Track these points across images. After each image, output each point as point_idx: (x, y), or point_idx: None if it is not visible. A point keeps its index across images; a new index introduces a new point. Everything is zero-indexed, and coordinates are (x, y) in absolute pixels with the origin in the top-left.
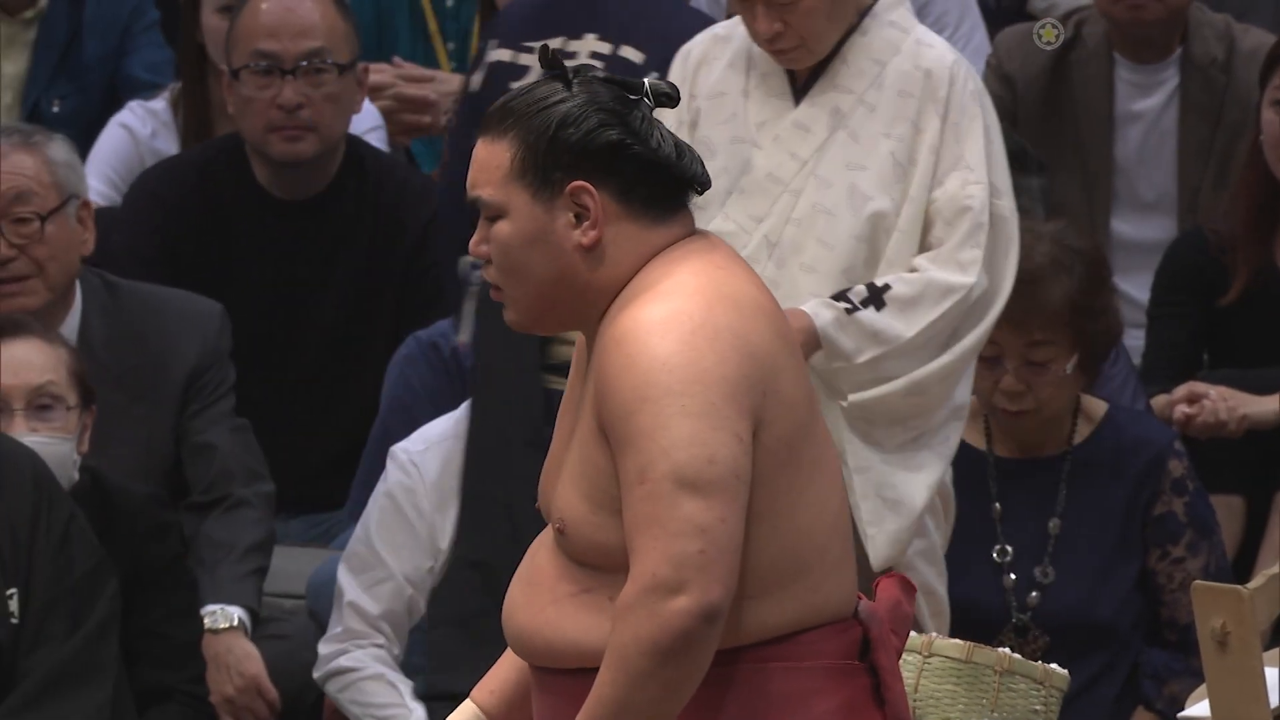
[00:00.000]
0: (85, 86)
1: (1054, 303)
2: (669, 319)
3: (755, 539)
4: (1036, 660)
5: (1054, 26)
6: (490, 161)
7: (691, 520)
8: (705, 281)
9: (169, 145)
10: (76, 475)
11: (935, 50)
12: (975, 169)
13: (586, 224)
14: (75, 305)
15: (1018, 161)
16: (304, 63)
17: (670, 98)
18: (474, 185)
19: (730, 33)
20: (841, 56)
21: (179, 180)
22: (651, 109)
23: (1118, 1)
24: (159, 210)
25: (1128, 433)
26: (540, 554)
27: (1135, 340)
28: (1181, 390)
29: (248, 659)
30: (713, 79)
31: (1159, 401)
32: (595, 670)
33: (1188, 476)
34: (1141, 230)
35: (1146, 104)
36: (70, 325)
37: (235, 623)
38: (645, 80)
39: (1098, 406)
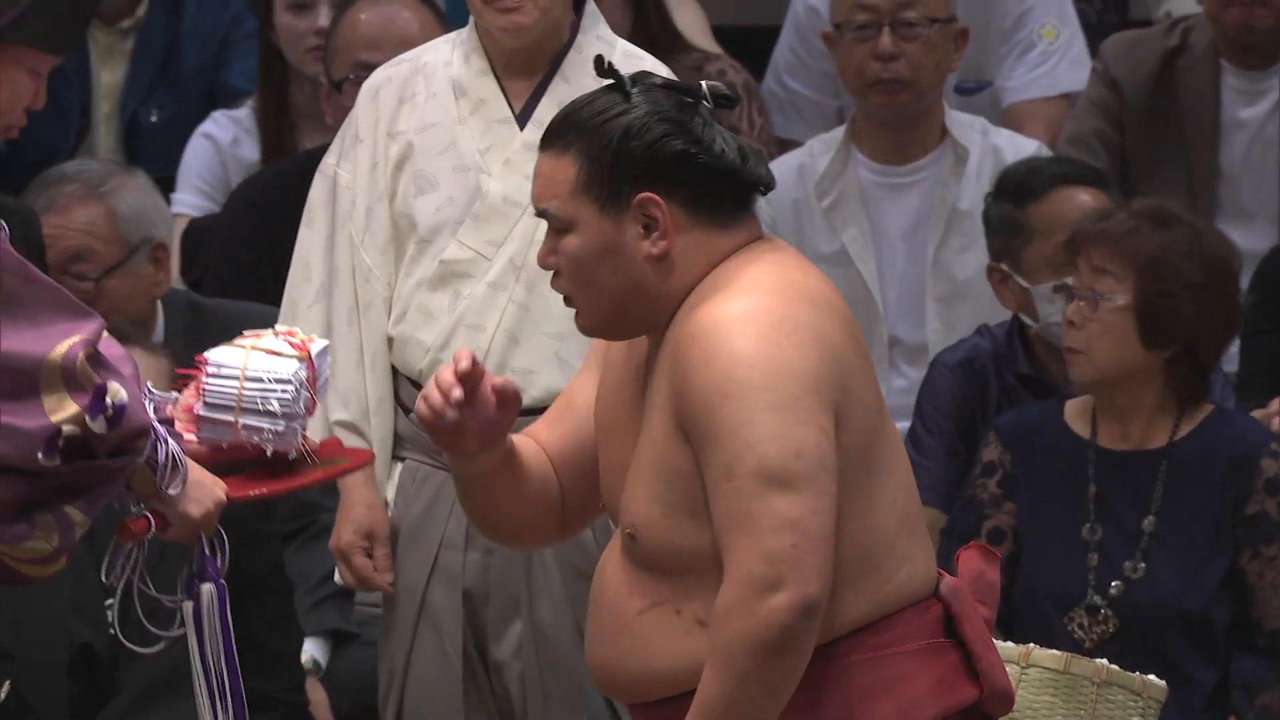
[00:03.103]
0: (183, 96)
1: (1125, 236)
2: (747, 315)
3: None
4: (1101, 642)
5: (1054, 27)
6: (555, 175)
7: (782, 515)
8: (780, 279)
9: (250, 152)
10: None
11: (645, 61)
12: None
13: (656, 234)
14: (157, 329)
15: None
16: None
17: (729, 99)
18: (540, 199)
19: (421, 65)
20: (562, 75)
21: (279, 188)
22: (711, 110)
23: (1228, 7)
24: (258, 218)
25: (1225, 431)
26: (608, 567)
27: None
28: (1276, 404)
29: (313, 705)
30: (419, 113)
31: (1255, 415)
32: (684, 695)
33: None
34: (1246, 239)
35: (1252, 112)
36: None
37: (309, 663)
38: (702, 83)
39: (1203, 407)
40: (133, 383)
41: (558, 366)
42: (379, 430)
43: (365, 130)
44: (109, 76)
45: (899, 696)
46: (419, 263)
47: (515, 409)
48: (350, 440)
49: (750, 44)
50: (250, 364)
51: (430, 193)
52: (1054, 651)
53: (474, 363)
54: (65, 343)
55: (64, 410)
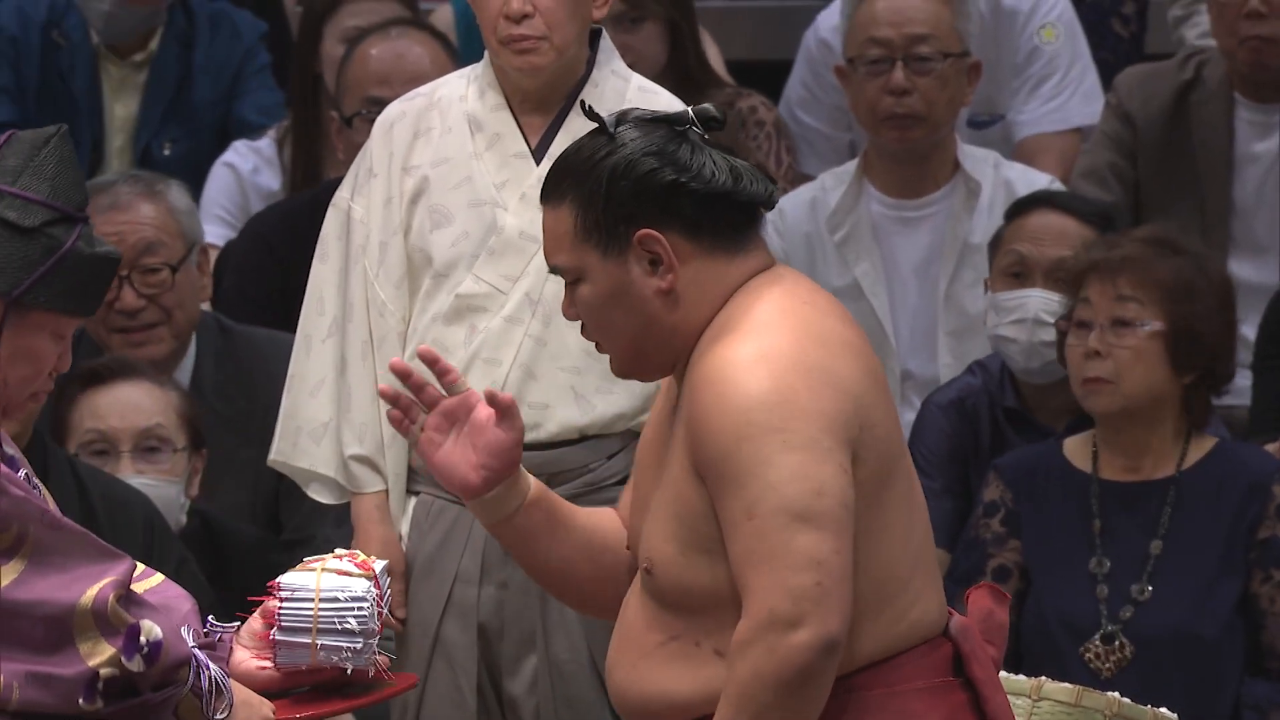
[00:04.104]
0: (196, 129)
1: (1148, 262)
2: (758, 358)
3: None
4: (1117, 670)
5: (1054, 27)
6: (556, 229)
7: (805, 553)
8: (792, 318)
9: (271, 181)
10: (184, 519)
11: (661, 96)
12: None
13: (662, 269)
14: (190, 349)
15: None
16: None
17: (717, 120)
18: (548, 254)
19: (436, 99)
20: (578, 110)
21: (289, 223)
22: (702, 136)
23: (1242, 43)
24: (268, 253)
25: (1235, 460)
26: (631, 602)
27: (1244, 380)
28: None
29: None
30: (433, 147)
31: (1269, 450)
32: None
33: None
34: (1259, 273)
35: (1266, 145)
36: (184, 369)
37: None
38: (688, 110)
39: (1209, 438)
40: (169, 615)
41: (573, 401)
42: (393, 464)
43: (379, 164)
44: (122, 110)
45: None
46: (434, 297)
47: (514, 423)
48: (364, 474)
49: (761, 78)
50: (324, 585)
51: (446, 227)
52: (1066, 685)
53: (436, 358)
54: (95, 586)
55: (100, 654)
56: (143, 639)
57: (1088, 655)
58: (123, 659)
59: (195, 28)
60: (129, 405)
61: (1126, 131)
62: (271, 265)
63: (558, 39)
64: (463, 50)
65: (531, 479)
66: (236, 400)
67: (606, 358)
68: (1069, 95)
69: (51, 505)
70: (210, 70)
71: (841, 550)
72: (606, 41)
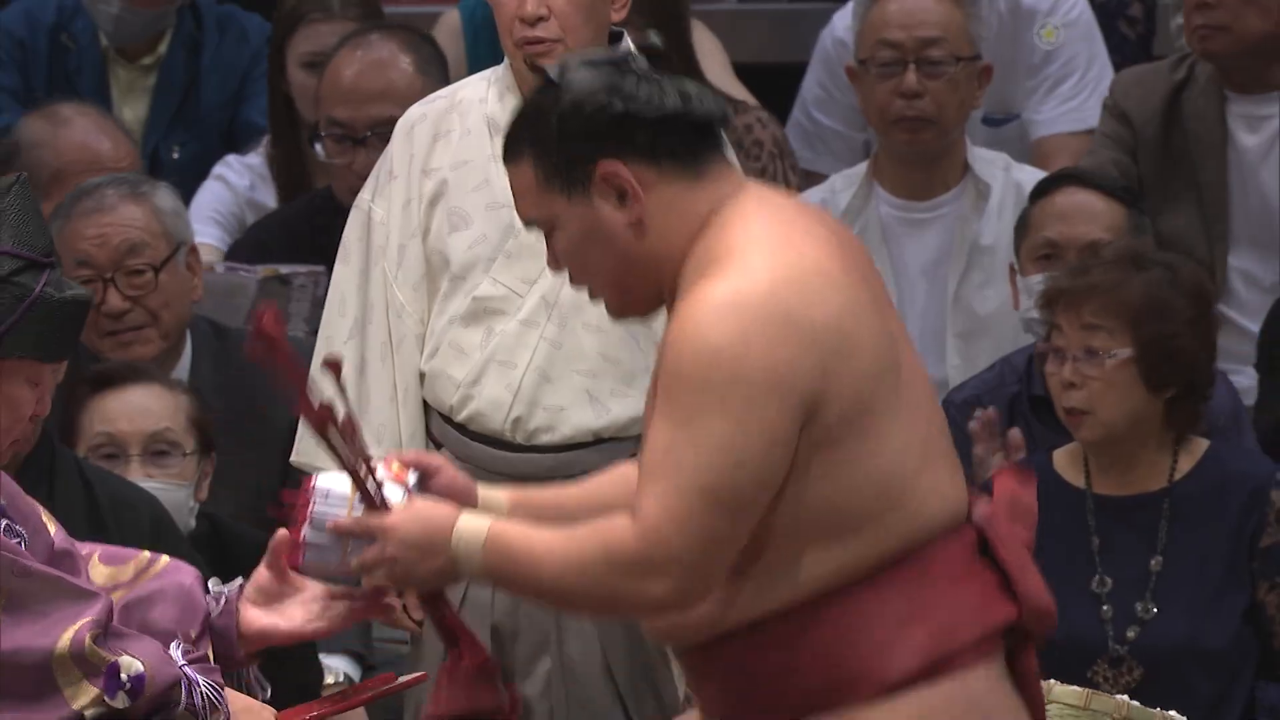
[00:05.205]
0: (203, 133)
1: (1114, 287)
2: (729, 303)
3: (837, 486)
4: (1127, 692)
5: (1054, 27)
6: (520, 184)
7: (705, 524)
8: (771, 257)
9: (267, 198)
10: (194, 522)
11: None
12: None
13: (629, 200)
14: (185, 352)
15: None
16: (378, 130)
17: (656, 47)
18: (520, 213)
19: (456, 101)
20: None
21: (288, 231)
22: (646, 66)
23: (1194, 33)
24: (267, 260)
25: (1229, 467)
26: None
27: (1249, 379)
28: None
29: None
30: (453, 149)
31: None
32: (722, 637)
33: None
34: (1262, 267)
35: (1257, 138)
36: (181, 371)
37: (342, 679)
38: (625, 43)
39: (1199, 443)
40: (152, 642)
41: (589, 404)
42: None
43: (400, 166)
44: (130, 113)
45: (934, 621)
46: (452, 299)
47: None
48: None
49: (772, 81)
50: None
51: (464, 229)
52: (1074, 688)
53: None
54: (71, 629)
55: (84, 696)
56: (123, 675)
57: (1096, 678)
58: (106, 698)
59: (203, 30)
60: (138, 409)
61: (1125, 130)
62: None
63: (573, 42)
64: (470, 54)
65: (501, 494)
66: (236, 402)
67: (623, 361)
68: (1086, 95)
69: (54, 530)
70: (218, 73)
71: (739, 525)
72: (628, 43)
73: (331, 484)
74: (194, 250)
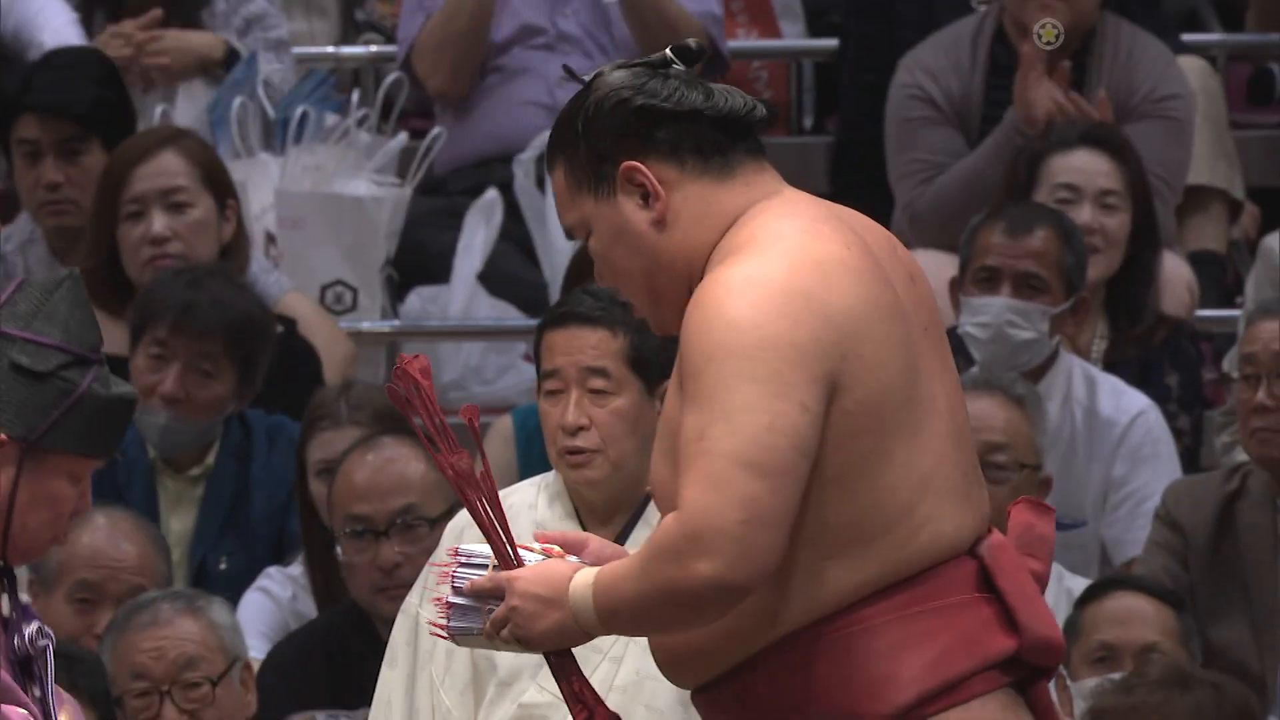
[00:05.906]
0: (251, 543)
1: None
2: (746, 281)
3: (828, 502)
4: None
5: (1054, 26)
6: (557, 190)
7: (742, 490)
8: (791, 243)
9: (309, 608)
10: None
11: None
12: None
13: (651, 198)
14: None
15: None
16: (398, 521)
17: (693, 51)
18: (560, 222)
19: (507, 507)
20: (645, 520)
21: (309, 650)
22: (684, 72)
23: (1251, 436)
24: (286, 685)
25: None
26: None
27: None
28: None
29: None
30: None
31: None
32: (731, 674)
33: None
34: None
35: None
36: None
37: None
38: (666, 51)
39: None
40: None
41: None
42: None
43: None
44: (178, 524)
45: (927, 651)
46: (498, 705)
47: None
48: None
49: None
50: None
51: None
52: None
53: None
54: None
55: None
56: None
57: None
58: None
59: (252, 440)
60: None
61: (1177, 539)
62: (290, 696)
63: (613, 453)
64: (521, 460)
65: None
66: None
67: None
68: None
69: None
70: (267, 484)
71: (781, 491)
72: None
73: (473, 549)
74: (248, 667)
